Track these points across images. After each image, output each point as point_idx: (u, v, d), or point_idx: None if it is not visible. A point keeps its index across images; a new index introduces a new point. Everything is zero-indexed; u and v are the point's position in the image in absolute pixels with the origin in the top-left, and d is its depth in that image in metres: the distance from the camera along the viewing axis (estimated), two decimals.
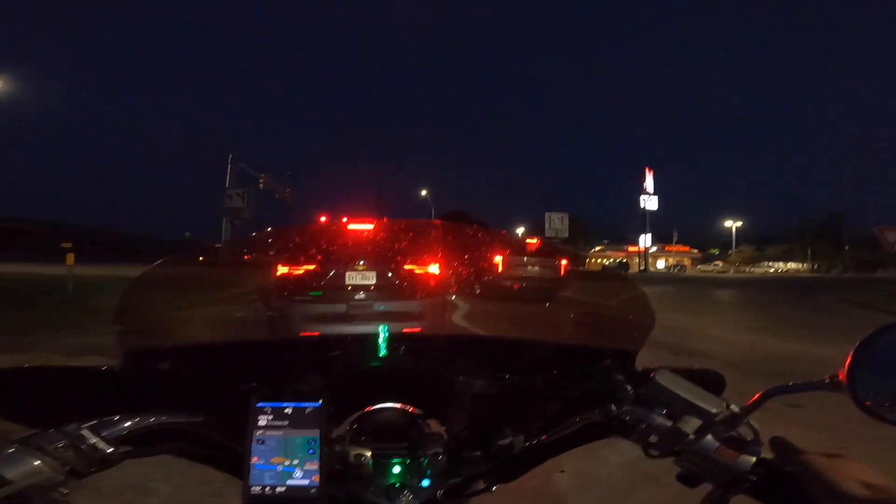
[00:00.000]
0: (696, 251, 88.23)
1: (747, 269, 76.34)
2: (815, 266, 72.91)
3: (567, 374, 0.80)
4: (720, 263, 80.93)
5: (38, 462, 0.54)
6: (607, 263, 74.46)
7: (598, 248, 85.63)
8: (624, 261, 75.43)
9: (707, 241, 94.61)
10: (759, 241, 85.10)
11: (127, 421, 0.60)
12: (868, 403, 0.55)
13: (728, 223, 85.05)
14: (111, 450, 0.58)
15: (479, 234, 1.13)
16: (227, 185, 18.81)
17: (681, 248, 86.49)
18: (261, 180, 21.84)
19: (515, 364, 0.82)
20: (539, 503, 2.48)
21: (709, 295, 19.91)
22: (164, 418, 0.62)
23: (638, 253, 75.43)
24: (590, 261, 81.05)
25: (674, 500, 2.46)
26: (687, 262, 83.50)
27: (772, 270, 75.32)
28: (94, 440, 0.57)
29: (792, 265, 78.04)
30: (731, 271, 72.75)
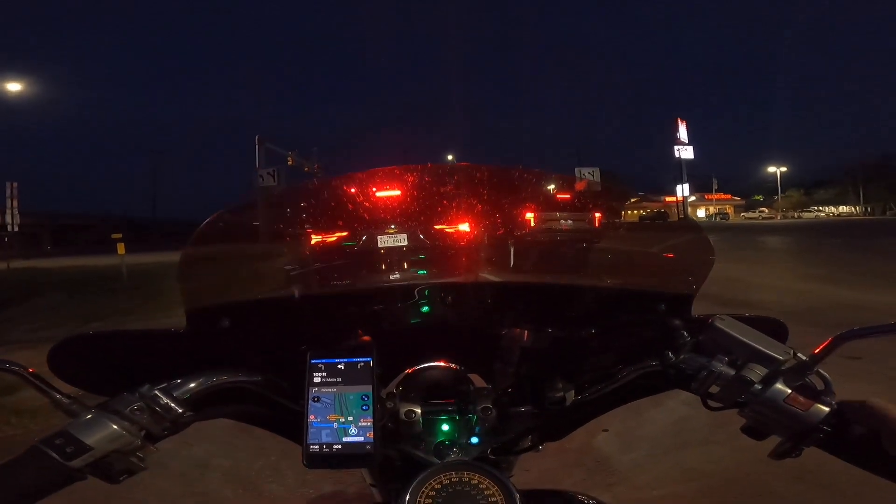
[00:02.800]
0: (738, 198, 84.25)
1: (795, 214, 72.34)
2: (869, 209, 68.28)
3: (619, 322, 0.76)
4: (765, 210, 77.04)
5: (116, 427, 0.54)
6: (644, 213, 72.26)
7: (633, 200, 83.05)
8: (662, 210, 72.98)
9: (751, 188, 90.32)
10: (808, 186, 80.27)
11: (192, 382, 0.60)
12: None
13: (772, 169, 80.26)
14: (181, 410, 0.58)
15: (510, 186, 1.09)
16: (257, 166, 19.19)
17: (722, 196, 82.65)
18: (289, 158, 22.18)
19: (563, 313, 0.79)
20: (582, 462, 2.49)
21: (756, 242, 19.07)
22: (225, 378, 0.63)
23: (676, 203, 72.73)
24: (625, 213, 78.67)
25: (722, 460, 2.43)
26: (729, 209, 79.97)
27: (822, 215, 71.06)
28: (166, 401, 0.57)
29: (843, 209, 73.35)
30: (778, 217, 69.18)
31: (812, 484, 2.09)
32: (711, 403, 0.63)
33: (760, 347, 0.61)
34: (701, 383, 0.62)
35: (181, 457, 2.59)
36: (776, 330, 0.70)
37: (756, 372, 0.59)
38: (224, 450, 2.69)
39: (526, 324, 0.76)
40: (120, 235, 13.40)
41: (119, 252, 12.73)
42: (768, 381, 0.58)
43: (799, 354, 0.60)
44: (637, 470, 2.44)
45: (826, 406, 0.56)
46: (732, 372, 0.60)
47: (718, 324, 0.63)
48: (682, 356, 0.65)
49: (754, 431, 0.61)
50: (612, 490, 2.28)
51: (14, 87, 18.36)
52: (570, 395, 0.69)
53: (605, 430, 2.74)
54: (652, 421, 2.85)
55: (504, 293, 0.83)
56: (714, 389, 0.62)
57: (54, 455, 0.51)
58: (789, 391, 0.57)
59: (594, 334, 0.76)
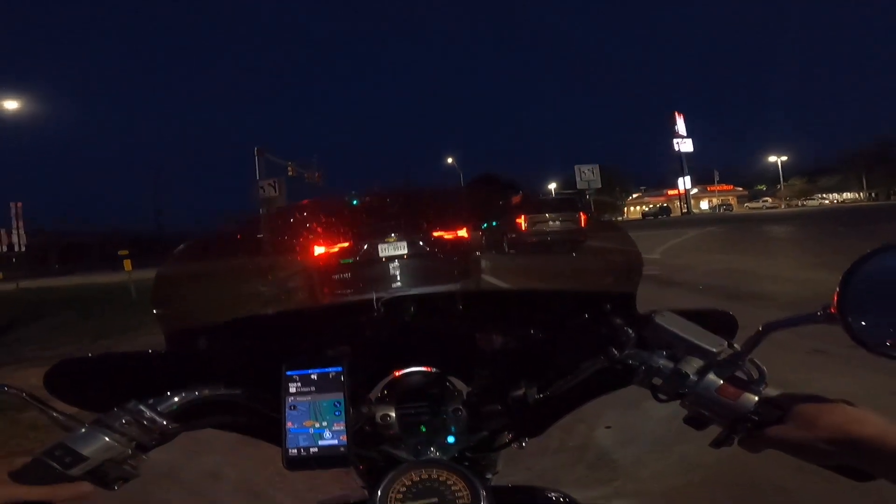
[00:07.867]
0: (741, 189, 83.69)
1: (799, 202, 71.68)
2: (873, 194, 67.60)
3: (574, 323, 0.80)
4: (769, 199, 76.24)
5: (108, 438, 0.61)
6: (647, 209, 72.06)
7: (635, 196, 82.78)
8: (664, 205, 72.70)
9: (753, 179, 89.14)
10: (811, 173, 79.45)
11: (175, 396, 0.66)
12: (865, 337, 0.53)
13: (773, 158, 79.71)
14: (167, 423, 0.64)
15: (502, 197, 1.16)
16: (257, 177, 19.28)
17: (724, 187, 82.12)
18: (289, 168, 22.29)
19: (526, 316, 0.84)
20: (584, 458, 2.52)
21: (761, 232, 18.91)
22: (206, 392, 0.68)
23: (678, 196, 72.51)
24: (628, 209, 78.59)
25: (722, 451, 2.43)
26: (732, 200, 79.45)
27: (826, 202, 70.37)
28: (151, 415, 0.63)
29: (848, 195, 72.61)
30: (782, 206, 68.58)
31: (813, 474, 2.11)
32: (659, 396, 0.66)
33: (695, 341, 0.64)
34: (642, 377, 0.66)
35: (190, 467, 2.64)
36: (724, 322, 0.73)
37: (692, 365, 0.62)
38: (232, 460, 2.74)
39: (493, 328, 0.81)
40: (126, 252, 13.45)
41: (126, 269, 12.81)
42: (702, 372, 0.61)
43: (735, 345, 0.63)
44: (638, 465, 2.47)
45: (755, 395, 0.58)
46: (671, 365, 0.64)
47: (658, 320, 0.67)
48: (625, 352, 0.67)
49: (695, 422, 0.64)
50: (614, 485, 2.31)
51: (10, 105, 18.48)
52: (533, 394, 0.72)
53: (608, 427, 2.77)
54: (654, 415, 2.87)
55: (472, 300, 0.88)
56: (657, 382, 0.66)
57: (55, 465, 0.58)
58: (721, 382, 0.60)
59: (552, 335, 0.81)
